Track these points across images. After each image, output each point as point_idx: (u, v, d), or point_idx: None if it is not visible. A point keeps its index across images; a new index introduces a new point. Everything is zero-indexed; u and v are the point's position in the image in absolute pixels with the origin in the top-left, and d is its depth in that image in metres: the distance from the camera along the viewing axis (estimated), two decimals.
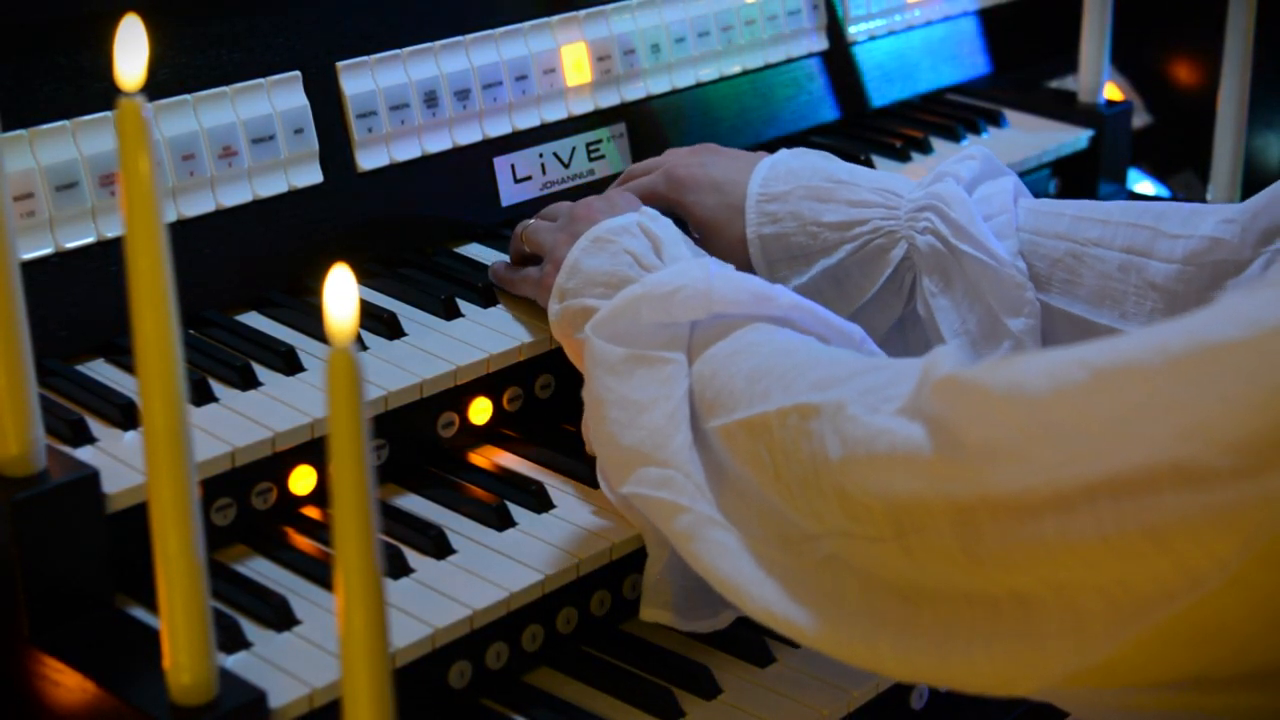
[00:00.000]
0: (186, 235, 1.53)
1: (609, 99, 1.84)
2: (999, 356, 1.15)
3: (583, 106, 1.82)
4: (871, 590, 1.12)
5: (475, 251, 1.71)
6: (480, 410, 1.57)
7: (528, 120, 1.77)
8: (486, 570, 1.40)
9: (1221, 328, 0.93)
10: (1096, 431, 0.96)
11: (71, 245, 1.46)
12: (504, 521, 1.46)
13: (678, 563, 1.40)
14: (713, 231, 1.59)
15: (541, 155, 1.79)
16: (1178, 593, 0.95)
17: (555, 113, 1.79)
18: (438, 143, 1.70)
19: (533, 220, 1.60)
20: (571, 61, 1.80)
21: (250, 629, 1.30)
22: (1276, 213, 1.45)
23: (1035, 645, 1.02)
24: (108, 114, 1.47)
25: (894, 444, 1.07)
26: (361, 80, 1.65)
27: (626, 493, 1.34)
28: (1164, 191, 2.38)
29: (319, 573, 1.37)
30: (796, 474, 1.18)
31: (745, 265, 1.57)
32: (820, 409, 1.16)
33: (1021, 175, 2.03)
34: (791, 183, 1.58)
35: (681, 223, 1.59)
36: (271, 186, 1.58)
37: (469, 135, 1.72)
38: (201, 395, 1.41)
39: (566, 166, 1.80)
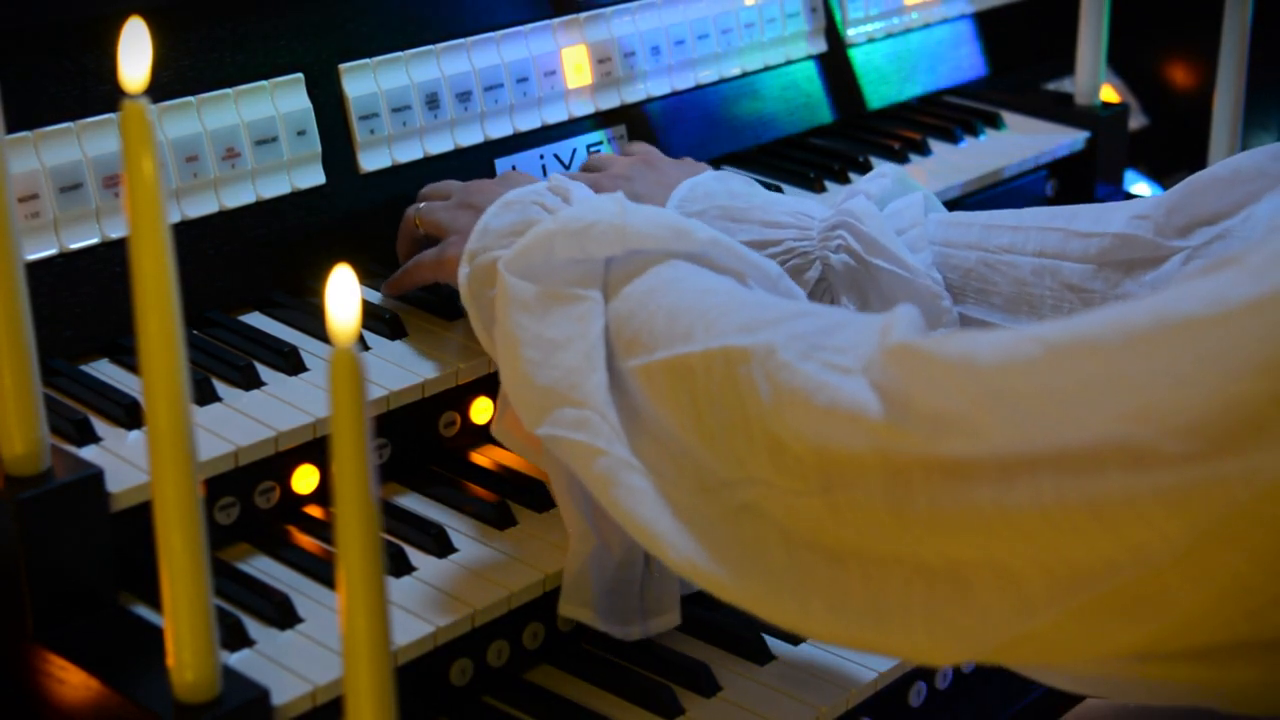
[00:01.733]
0: (190, 236, 1.53)
1: (609, 101, 1.85)
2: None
3: (583, 108, 1.82)
4: (794, 546, 1.09)
5: None
6: (482, 410, 1.57)
7: (529, 122, 1.78)
8: (488, 569, 1.40)
9: (1186, 304, 0.91)
10: (1045, 406, 0.95)
11: (76, 246, 1.47)
12: (505, 520, 1.46)
13: (600, 559, 1.39)
14: None
15: (542, 157, 1.79)
16: (1121, 567, 0.94)
17: (556, 114, 1.80)
18: (439, 144, 1.71)
19: (422, 203, 1.57)
20: (572, 63, 1.81)
21: (253, 627, 1.31)
22: (1194, 206, 1.44)
23: (973, 613, 1.00)
24: (112, 116, 1.48)
25: (836, 399, 1.05)
26: (364, 82, 1.65)
27: (542, 434, 1.27)
28: (1160, 193, 2.38)
29: (321, 571, 1.37)
30: (721, 418, 1.14)
31: None
32: (750, 353, 1.12)
33: (1018, 177, 2.05)
34: (707, 202, 1.55)
35: None
36: (274, 188, 1.59)
37: (470, 137, 1.73)
38: (205, 395, 1.42)
39: (567, 168, 1.80)
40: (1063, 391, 0.95)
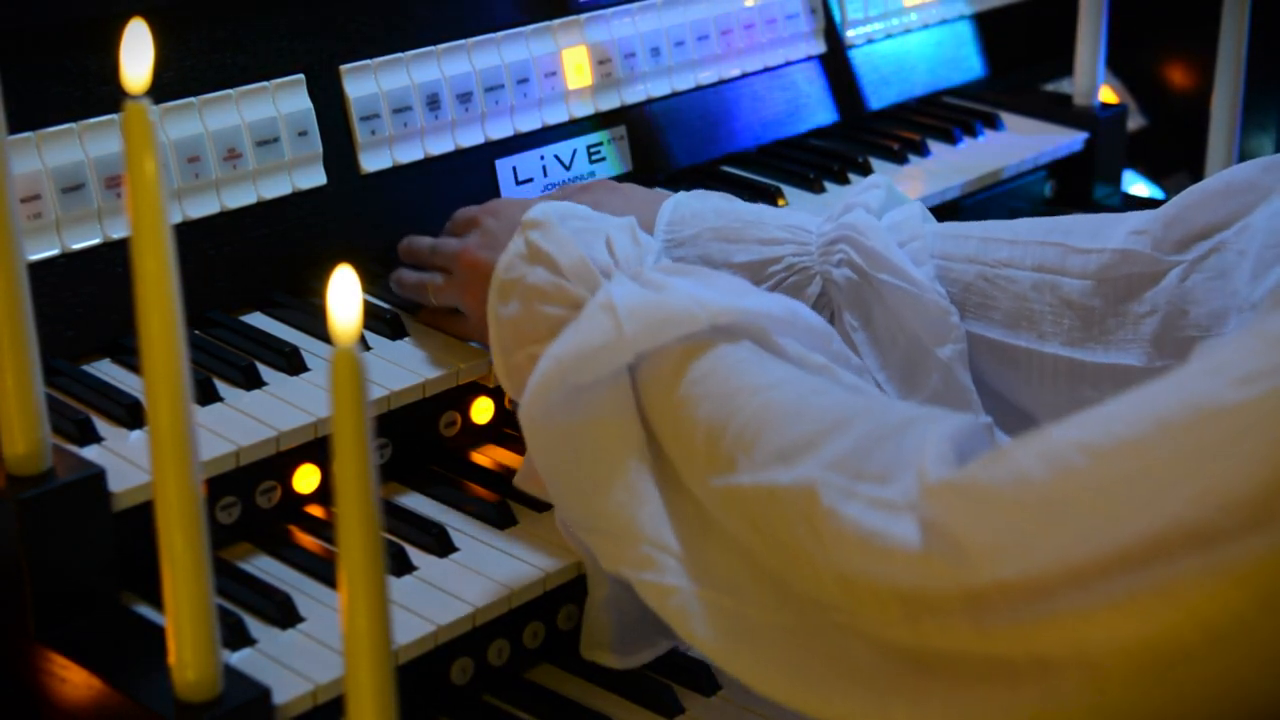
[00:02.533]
0: (191, 236, 1.54)
1: (609, 102, 1.85)
2: (981, 448, 1.09)
3: (583, 109, 1.83)
4: (884, 656, 1.08)
5: None
6: (482, 409, 1.58)
7: (529, 123, 1.78)
8: (488, 568, 1.41)
9: (1214, 389, 0.92)
10: (1102, 510, 0.96)
11: (78, 246, 1.47)
12: (506, 520, 1.47)
13: (616, 600, 1.39)
14: None
15: (543, 157, 1.80)
16: (1195, 649, 0.95)
17: (556, 115, 1.80)
18: (440, 145, 1.71)
19: (411, 275, 1.56)
20: (572, 64, 1.81)
21: (254, 626, 1.31)
22: (1191, 220, 1.43)
23: (1054, 704, 1.01)
24: (114, 117, 1.49)
25: (889, 546, 1.04)
26: (364, 83, 1.66)
27: (607, 569, 1.29)
28: (1158, 193, 2.39)
29: (322, 570, 1.38)
30: (784, 551, 1.13)
31: None
32: (794, 494, 1.11)
33: (1017, 177, 2.06)
34: (697, 225, 1.52)
35: None
36: (275, 188, 1.59)
37: (471, 137, 1.73)
38: (206, 395, 1.42)
39: (568, 168, 1.81)
40: (1114, 493, 0.96)
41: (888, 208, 1.53)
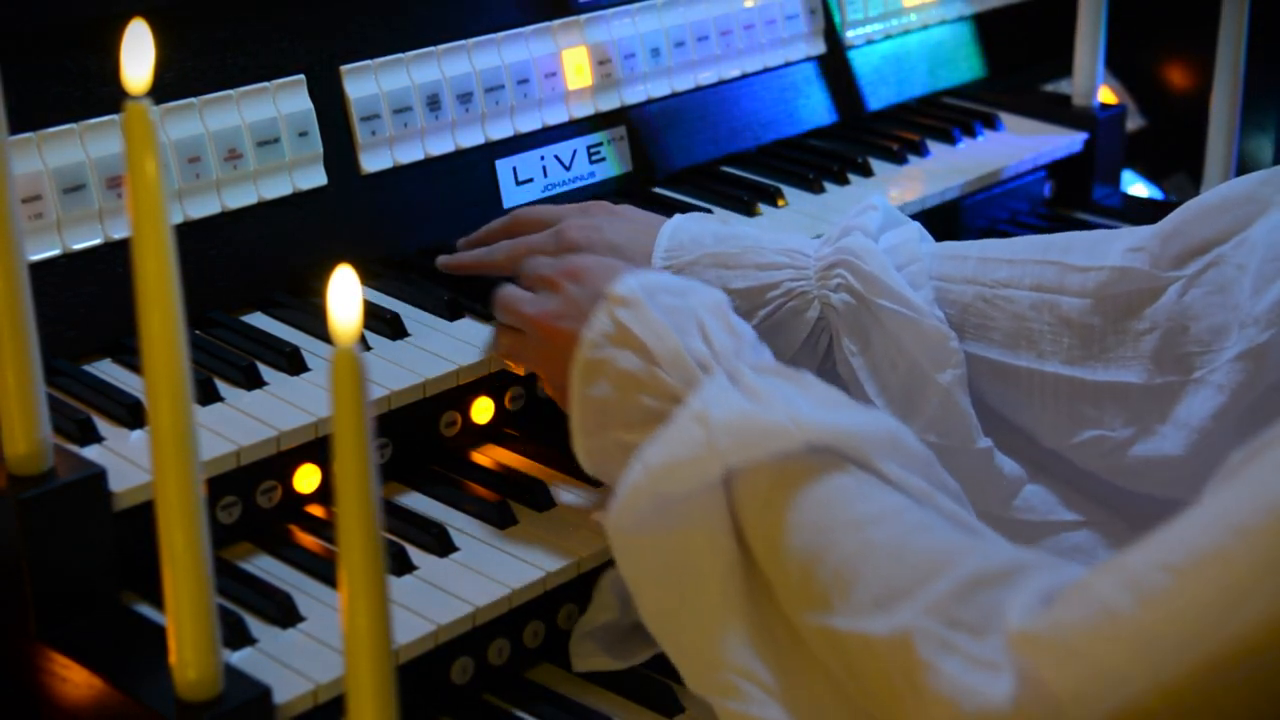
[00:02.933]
0: (192, 237, 1.54)
1: (609, 102, 1.85)
2: (1052, 577, 1.08)
3: (583, 110, 1.83)
4: None
5: None
6: (482, 409, 1.58)
7: (529, 123, 1.78)
8: (488, 567, 1.41)
9: None
10: (1191, 624, 0.96)
11: (79, 247, 1.47)
12: (506, 519, 1.47)
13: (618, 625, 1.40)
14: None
15: (543, 158, 1.80)
16: None
17: (556, 116, 1.81)
18: (440, 145, 1.71)
19: (500, 292, 1.48)
20: (572, 65, 1.82)
21: (255, 626, 1.31)
22: (1188, 235, 1.43)
23: None
24: (114, 117, 1.49)
25: (986, 705, 1.03)
26: (365, 83, 1.66)
27: (689, 687, 1.25)
28: (1157, 193, 2.39)
29: (323, 570, 1.38)
30: (880, 698, 1.12)
31: None
32: (890, 644, 1.09)
33: (1016, 178, 2.06)
34: (696, 251, 1.50)
35: None
36: (276, 189, 1.59)
37: (471, 138, 1.74)
38: (207, 395, 1.42)
39: (568, 169, 1.81)
40: (1203, 605, 0.96)
41: (885, 228, 1.52)
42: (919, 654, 1.07)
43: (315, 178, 1.62)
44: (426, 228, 1.70)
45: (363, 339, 1.50)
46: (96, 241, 1.48)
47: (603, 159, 1.84)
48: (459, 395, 1.55)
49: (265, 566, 1.40)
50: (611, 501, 1.26)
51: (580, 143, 1.83)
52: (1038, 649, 1.02)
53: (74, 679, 1.24)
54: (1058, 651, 1.01)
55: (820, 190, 1.92)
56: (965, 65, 2.26)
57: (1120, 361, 1.44)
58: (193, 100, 1.55)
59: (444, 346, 1.54)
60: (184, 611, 1.14)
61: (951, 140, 2.07)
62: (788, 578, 1.19)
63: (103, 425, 1.38)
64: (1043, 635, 1.02)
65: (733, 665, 1.20)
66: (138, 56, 1.08)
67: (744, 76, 1.99)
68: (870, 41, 2.14)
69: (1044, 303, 1.47)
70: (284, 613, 1.32)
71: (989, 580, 1.09)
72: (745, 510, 1.24)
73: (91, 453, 1.34)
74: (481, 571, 1.40)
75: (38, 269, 1.42)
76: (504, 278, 1.55)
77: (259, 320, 1.57)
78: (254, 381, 1.45)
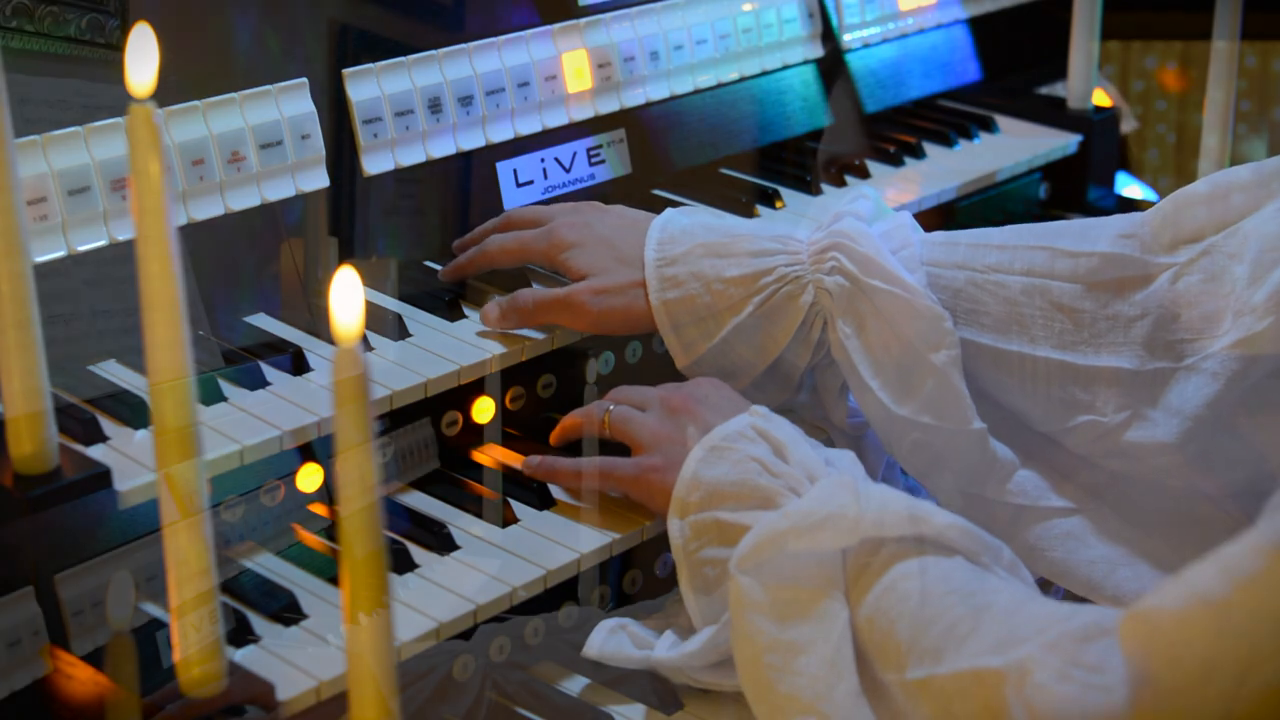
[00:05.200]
0: (196, 238, 1.55)
1: (609, 105, 1.86)
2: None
3: (583, 112, 1.84)
4: None
5: None
6: (483, 409, 1.59)
7: (530, 126, 1.79)
8: (489, 566, 1.41)
9: None
10: None
11: (84, 248, 1.48)
12: (507, 518, 1.48)
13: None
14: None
15: (543, 160, 1.81)
16: None
17: (557, 118, 1.81)
18: (442, 148, 1.72)
19: (615, 407, 1.50)
20: (572, 68, 1.82)
21: (258, 623, 1.32)
22: (1179, 223, 1.44)
23: None
24: (119, 120, 1.50)
25: (1087, 712, 1.05)
26: (367, 87, 1.67)
27: None
28: (1152, 195, 2.40)
29: (326, 568, 1.39)
30: None
31: (643, 319, 1.53)
32: (1004, 675, 1.11)
33: (1012, 180, 2.07)
34: (688, 242, 1.52)
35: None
36: (279, 191, 1.60)
37: (472, 140, 1.74)
38: (210, 394, 1.43)
39: (568, 171, 1.82)
40: None
41: (876, 218, 1.54)
42: (1035, 677, 1.09)
43: (318, 180, 1.63)
44: (427, 229, 1.71)
45: (365, 339, 1.51)
46: (101, 243, 1.49)
47: (602, 161, 1.85)
48: (460, 395, 1.55)
49: (268, 565, 1.41)
50: (743, 541, 1.28)
51: (580, 145, 1.83)
52: (1148, 632, 1.03)
53: (78, 675, 1.25)
54: (1165, 632, 1.02)
55: (818, 192, 1.93)
56: (961, 69, 2.27)
57: (1111, 347, 1.45)
58: (197, 103, 1.55)
59: (445, 347, 1.55)
60: (188, 609, 1.14)
61: (948, 142, 2.08)
62: (893, 642, 1.21)
63: (108, 425, 1.38)
64: (1151, 614, 1.03)
65: (841, 715, 1.22)
66: (142, 60, 1.09)
67: (742, 80, 2.00)
68: (867, 45, 2.15)
69: (1035, 287, 1.47)
70: (287, 610, 1.33)
71: (1109, 630, 1.10)
72: (859, 581, 1.26)
73: (96, 452, 1.34)
74: (482, 569, 1.41)
75: (43, 270, 1.42)
76: (502, 274, 1.57)
77: (262, 321, 1.58)
78: (257, 381, 1.46)
